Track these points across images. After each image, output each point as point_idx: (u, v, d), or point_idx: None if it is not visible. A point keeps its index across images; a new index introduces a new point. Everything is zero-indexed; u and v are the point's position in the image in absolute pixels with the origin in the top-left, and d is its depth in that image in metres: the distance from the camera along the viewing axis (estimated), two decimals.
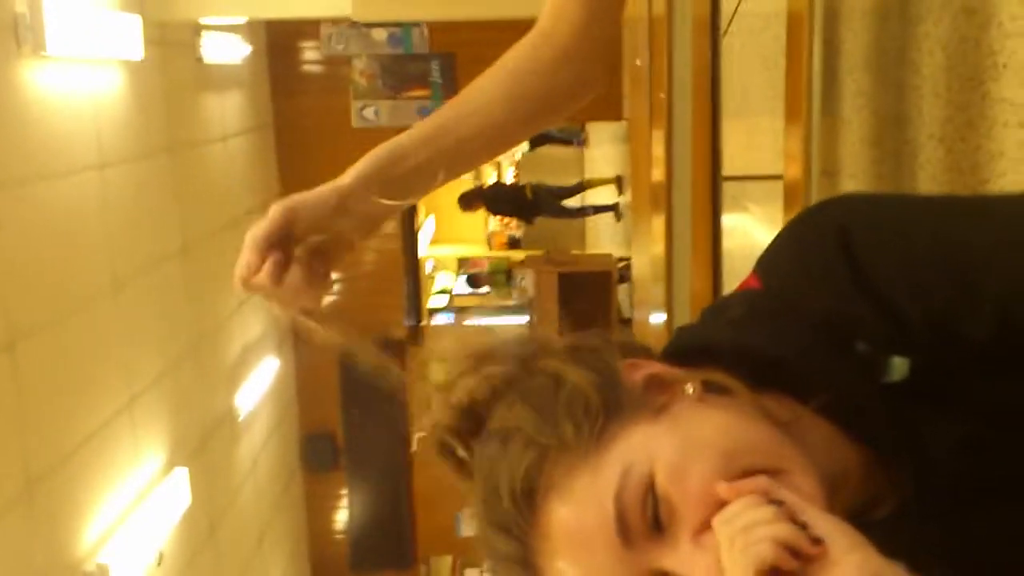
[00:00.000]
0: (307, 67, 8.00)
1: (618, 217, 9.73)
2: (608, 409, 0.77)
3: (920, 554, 0.72)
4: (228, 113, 6.81)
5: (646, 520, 0.74)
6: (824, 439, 0.81)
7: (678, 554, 0.74)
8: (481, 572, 11.84)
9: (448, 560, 11.23)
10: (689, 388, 0.80)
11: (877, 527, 0.76)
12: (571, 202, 10.63)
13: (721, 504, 0.73)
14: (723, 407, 0.79)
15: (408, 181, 1.10)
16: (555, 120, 1.24)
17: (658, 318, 3.99)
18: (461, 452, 0.81)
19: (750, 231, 3.68)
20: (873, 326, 0.78)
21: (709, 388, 0.80)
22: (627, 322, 7.00)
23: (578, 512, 0.75)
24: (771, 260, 0.86)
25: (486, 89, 1.16)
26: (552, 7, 1.19)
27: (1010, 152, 1.68)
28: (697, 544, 0.74)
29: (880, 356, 0.79)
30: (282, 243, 1.01)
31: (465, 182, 13.84)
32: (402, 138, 1.11)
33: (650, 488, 0.74)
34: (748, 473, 0.73)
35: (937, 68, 1.97)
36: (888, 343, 0.78)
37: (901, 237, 0.78)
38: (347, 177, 1.06)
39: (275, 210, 1.01)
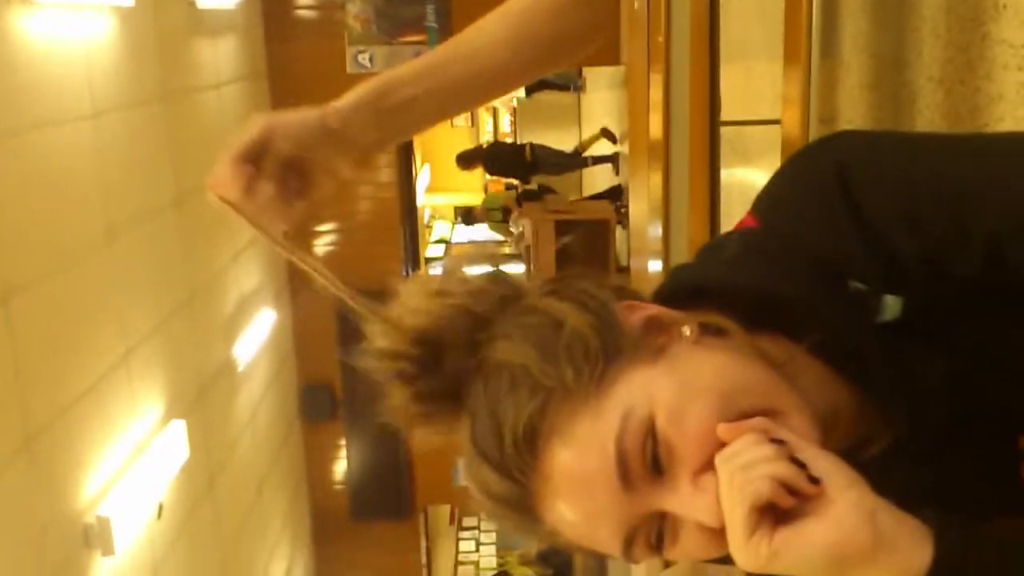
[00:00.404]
0: (301, 12, 7.92)
1: (616, 169, 9.72)
2: (608, 352, 0.77)
3: (911, 493, 0.73)
4: (222, 60, 6.74)
5: (646, 463, 0.75)
6: (817, 379, 0.81)
7: (678, 496, 0.75)
8: (479, 520, 11.98)
9: (446, 509, 11.35)
10: (686, 330, 0.80)
11: (868, 467, 0.76)
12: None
13: (721, 445, 0.73)
14: (720, 349, 0.79)
15: (399, 114, 1.09)
16: (557, 66, 1.22)
17: (655, 265, 3.97)
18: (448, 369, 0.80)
19: (748, 177, 3.66)
20: (868, 264, 0.77)
21: (706, 330, 0.80)
22: (624, 270, 6.99)
23: (580, 456, 0.76)
24: (769, 198, 0.85)
25: (489, 30, 1.15)
26: None
27: (1009, 95, 1.66)
28: (696, 486, 0.74)
29: (874, 294, 0.79)
30: (258, 159, 1.00)
31: (464, 140, 13.81)
32: (399, 70, 1.11)
33: (650, 431, 0.74)
34: (745, 414, 0.74)
35: (937, 9, 1.94)
36: (882, 281, 0.78)
37: (898, 173, 0.78)
38: (337, 102, 1.06)
39: (254, 125, 1.00)
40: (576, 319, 0.78)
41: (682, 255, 3.55)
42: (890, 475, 0.75)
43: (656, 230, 3.70)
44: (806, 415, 0.76)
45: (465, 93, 1.15)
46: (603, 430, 0.75)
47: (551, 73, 1.23)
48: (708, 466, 0.74)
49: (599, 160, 10.11)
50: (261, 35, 7.72)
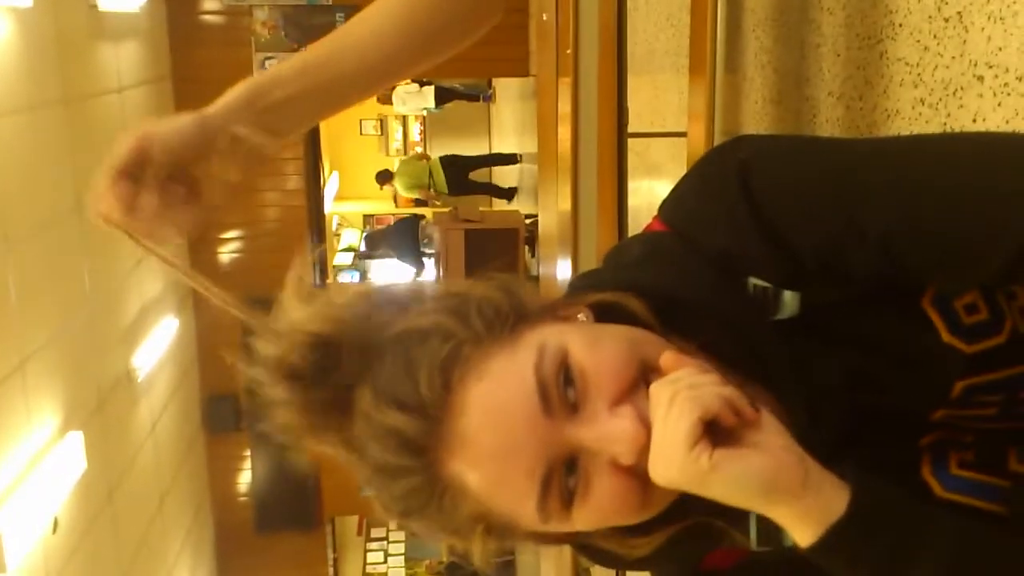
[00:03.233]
0: (207, 17, 7.78)
1: (509, 198, 9.95)
2: (517, 312, 0.80)
3: None
4: (124, 64, 6.57)
5: (562, 392, 0.76)
6: None
7: (596, 424, 0.75)
8: (387, 531, 11.87)
9: (354, 520, 11.23)
10: (582, 316, 0.83)
11: None
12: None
13: (632, 379, 0.76)
14: (616, 325, 0.82)
15: (279, 112, 1.05)
16: (447, 54, 1.19)
17: (565, 275, 4.00)
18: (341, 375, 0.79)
19: (655, 188, 3.71)
20: (767, 262, 0.79)
21: (602, 313, 0.84)
22: (534, 279, 7.02)
23: (497, 386, 0.76)
24: (673, 201, 0.87)
25: (373, 23, 1.11)
26: None
27: (905, 111, 1.71)
28: (612, 413, 0.75)
29: (773, 292, 0.81)
30: (138, 172, 0.96)
31: (373, 149, 13.71)
32: (278, 67, 1.07)
33: (565, 361, 0.76)
34: (648, 363, 0.77)
35: (837, 26, 1.99)
36: (781, 279, 0.80)
37: (797, 175, 0.80)
38: (213, 105, 1.02)
39: (127, 139, 0.96)
40: (483, 288, 0.81)
41: (591, 265, 3.59)
42: None
43: (565, 240, 3.72)
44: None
45: (350, 87, 1.11)
46: (520, 361, 0.76)
47: (440, 60, 1.19)
48: (622, 399, 0.76)
49: (500, 192, 10.34)
50: (166, 39, 7.56)
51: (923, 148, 0.84)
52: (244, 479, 8.48)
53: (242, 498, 8.52)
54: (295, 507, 8.44)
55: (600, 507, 0.77)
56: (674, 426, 0.71)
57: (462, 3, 1.14)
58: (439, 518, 0.79)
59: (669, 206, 0.87)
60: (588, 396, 0.76)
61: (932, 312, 0.81)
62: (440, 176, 10.20)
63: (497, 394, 0.76)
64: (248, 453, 8.36)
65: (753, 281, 0.81)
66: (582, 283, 0.89)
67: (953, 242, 0.75)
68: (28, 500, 4.38)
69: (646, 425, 0.74)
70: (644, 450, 0.74)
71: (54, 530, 4.69)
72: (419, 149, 13.48)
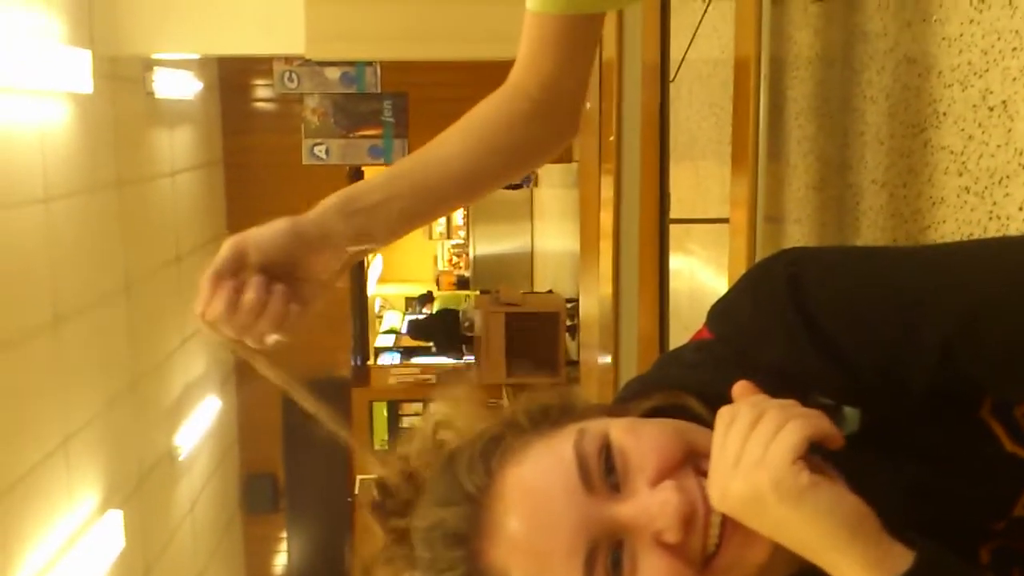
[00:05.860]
0: (259, 104, 7.97)
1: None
2: (563, 410, 0.81)
3: None
4: (178, 149, 6.75)
5: (603, 470, 0.75)
6: None
7: (637, 499, 0.74)
8: None
9: None
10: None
11: None
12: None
13: (677, 460, 0.75)
14: None
15: (369, 216, 1.10)
16: (521, 172, 1.24)
17: (605, 359, 3.99)
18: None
19: (696, 274, 3.71)
20: (826, 377, 0.78)
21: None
22: (574, 364, 6.99)
23: (536, 466, 0.76)
24: (724, 311, 0.86)
25: (453, 141, 1.17)
26: (523, 61, 1.20)
27: (949, 199, 1.71)
28: (655, 488, 0.74)
29: (835, 407, 0.79)
30: (236, 273, 1.01)
31: (416, 233, 13.81)
32: (370, 177, 1.13)
33: (606, 443, 0.76)
34: (696, 449, 0.76)
35: (880, 115, 2.01)
36: (840, 393, 0.79)
37: (849, 286, 0.80)
38: (309, 212, 1.07)
39: (226, 244, 1.01)
40: (534, 394, 0.83)
41: (631, 350, 3.57)
42: None
43: (606, 325, 3.72)
44: None
45: (432, 200, 1.17)
46: (560, 442, 0.76)
47: (520, 175, 1.25)
48: (664, 475, 0.74)
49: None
50: (219, 125, 7.75)
51: (974, 253, 0.84)
52: (280, 560, 8.42)
53: None
54: None
55: None
56: (780, 442, 0.70)
57: (537, 126, 1.20)
58: None
59: (720, 319, 0.86)
60: (629, 475, 0.75)
61: (992, 422, 0.80)
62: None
63: (536, 473, 0.76)
64: (285, 534, 8.31)
65: (820, 398, 0.79)
66: (630, 389, 0.88)
67: (1011, 347, 0.74)
68: None
69: (692, 502, 0.73)
70: (690, 526, 0.73)
71: None
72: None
